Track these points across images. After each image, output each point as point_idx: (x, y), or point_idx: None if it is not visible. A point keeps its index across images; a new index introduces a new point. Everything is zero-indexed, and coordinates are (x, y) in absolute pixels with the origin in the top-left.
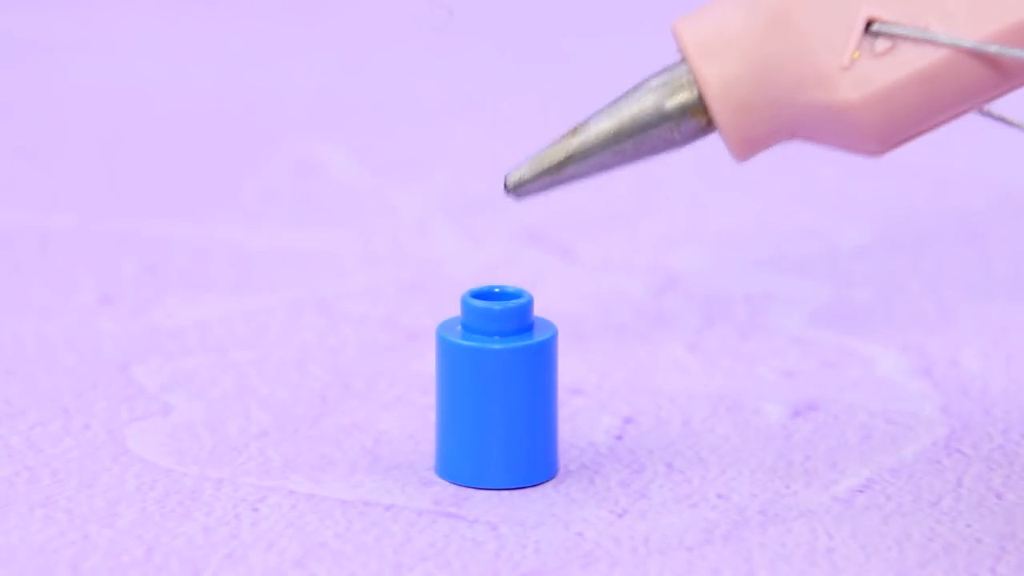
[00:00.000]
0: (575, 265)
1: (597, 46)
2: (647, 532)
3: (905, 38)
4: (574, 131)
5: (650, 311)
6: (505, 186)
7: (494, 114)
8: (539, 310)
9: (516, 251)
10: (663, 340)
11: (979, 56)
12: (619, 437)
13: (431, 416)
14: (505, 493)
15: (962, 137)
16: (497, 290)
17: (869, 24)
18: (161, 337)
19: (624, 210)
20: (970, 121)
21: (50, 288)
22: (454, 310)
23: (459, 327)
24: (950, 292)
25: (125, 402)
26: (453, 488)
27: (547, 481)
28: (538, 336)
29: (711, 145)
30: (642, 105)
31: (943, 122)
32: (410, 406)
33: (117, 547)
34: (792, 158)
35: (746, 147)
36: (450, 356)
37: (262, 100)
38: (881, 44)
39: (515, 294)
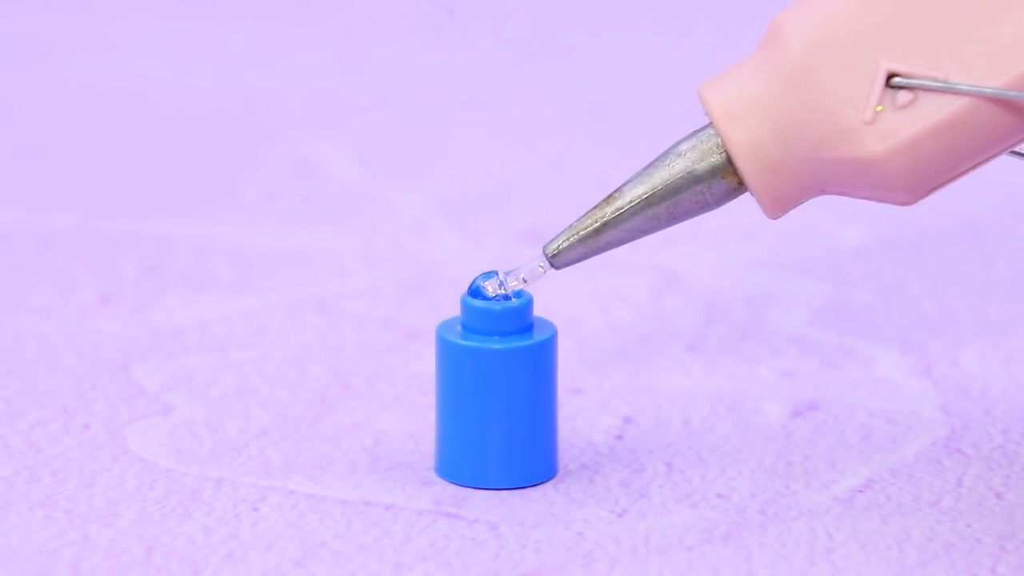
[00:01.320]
0: (575, 265)
1: (596, 46)
2: (647, 532)
3: (926, 89)
4: (608, 199)
5: (650, 311)
6: (544, 255)
7: (494, 114)
8: (539, 310)
9: (516, 251)
10: (663, 340)
11: (1001, 102)
12: (619, 437)
13: (431, 416)
14: (505, 493)
15: None
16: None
17: (890, 77)
18: (161, 337)
19: None
20: None
21: (50, 288)
22: (454, 310)
23: (459, 327)
24: (950, 292)
25: (125, 402)
26: (453, 488)
27: (547, 481)
28: (538, 336)
29: None
30: (672, 170)
31: (971, 168)
32: (410, 406)
33: (117, 547)
34: None
35: (778, 205)
36: (450, 356)
37: (262, 100)
38: (903, 96)
39: (515, 294)
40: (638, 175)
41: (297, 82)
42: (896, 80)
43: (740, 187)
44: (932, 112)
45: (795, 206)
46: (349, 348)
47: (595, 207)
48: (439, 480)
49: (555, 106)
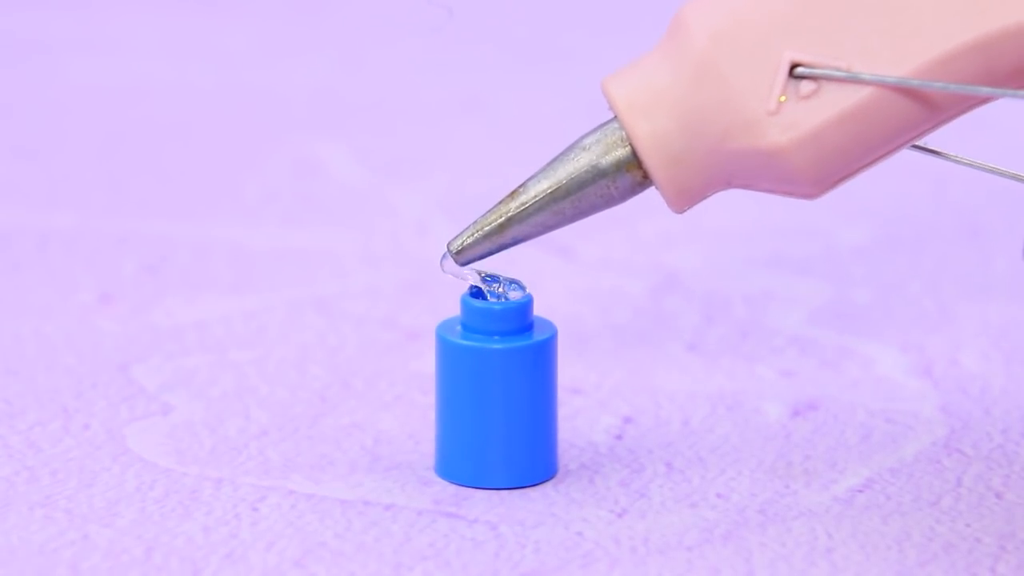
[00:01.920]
0: (575, 264)
1: (596, 46)
2: (647, 532)
3: (830, 79)
4: (512, 194)
5: (650, 311)
6: (448, 251)
7: (494, 114)
8: (539, 310)
9: (516, 250)
10: (663, 340)
11: (905, 92)
12: (619, 437)
13: (431, 416)
14: (505, 493)
15: (960, 136)
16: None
17: (793, 68)
18: (161, 337)
19: (623, 210)
20: (969, 120)
21: (50, 288)
22: (454, 310)
23: (459, 327)
24: (950, 292)
25: (125, 402)
26: (453, 488)
27: (547, 481)
28: (538, 336)
29: None
30: (577, 164)
31: (877, 160)
32: (410, 406)
33: (117, 547)
34: None
35: (682, 198)
36: (450, 356)
37: (262, 100)
38: (806, 87)
39: (515, 288)
40: (542, 170)
41: (297, 82)
42: (799, 70)
43: (645, 180)
44: (836, 102)
45: (701, 200)
46: (349, 348)
47: (499, 203)
48: (439, 480)
49: (555, 106)
